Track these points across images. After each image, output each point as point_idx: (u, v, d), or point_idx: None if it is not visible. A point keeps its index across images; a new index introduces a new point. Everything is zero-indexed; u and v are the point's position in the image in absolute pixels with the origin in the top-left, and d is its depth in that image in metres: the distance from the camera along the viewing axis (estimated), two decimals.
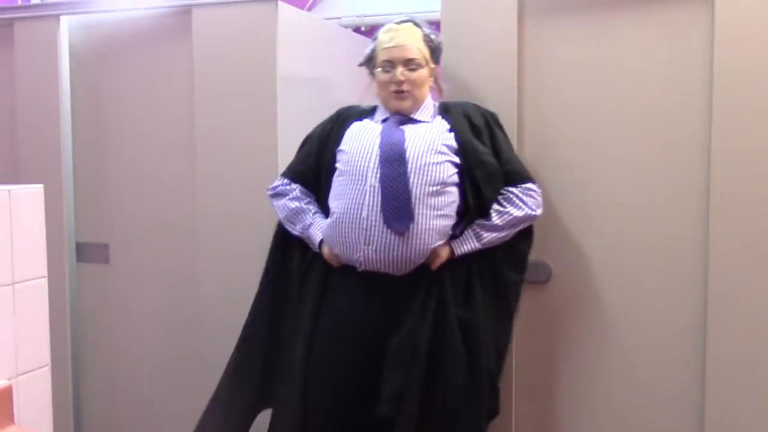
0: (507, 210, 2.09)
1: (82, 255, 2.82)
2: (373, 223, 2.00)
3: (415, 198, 2.00)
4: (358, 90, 2.44)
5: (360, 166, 2.05)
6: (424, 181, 2.01)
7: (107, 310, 2.81)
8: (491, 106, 2.24)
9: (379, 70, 2.14)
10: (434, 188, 2.02)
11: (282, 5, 2.47)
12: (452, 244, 2.08)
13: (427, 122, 2.15)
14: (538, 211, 2.14)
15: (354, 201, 2.03)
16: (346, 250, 2.05)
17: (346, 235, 2.03)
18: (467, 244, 2.09)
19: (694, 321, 2.16)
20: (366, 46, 2.22)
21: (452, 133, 2.11)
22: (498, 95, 2.28)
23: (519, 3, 2.26)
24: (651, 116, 2.18)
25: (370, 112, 2.24)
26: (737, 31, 2.05)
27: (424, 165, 2.02)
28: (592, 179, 2.25)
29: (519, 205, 2.10)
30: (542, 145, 2.29)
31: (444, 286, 2.06)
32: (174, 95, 2.64)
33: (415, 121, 2.15)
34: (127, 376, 2.80)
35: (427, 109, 2.18)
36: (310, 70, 2.68)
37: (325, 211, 2.16)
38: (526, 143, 2.30)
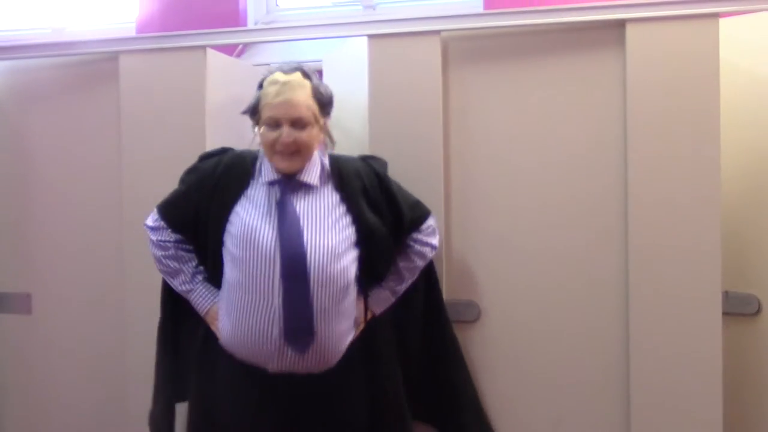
0: (416, 265, 2.14)
1: (2, 305, 2.73)
2: (282, 342, 1.90)
3: (318, 312, 1.91)
4: None
5: (263, 282, 1.90)
6: (327, 294, 1.91)
7: (29, 365, 2.71)
8: (417, 156, 2.30)
9: (264, 128, 1.96)
10: (338, 296, 1.94)
11: (210, 52, 2.49)
12: (371, 307, 2.08)
13: (315, 187, 2.00)
14: (437, 243, 2.18)
15: (261, 320, 1.90)
16: (256, 360, 1.95)
17: (255, 352, 1.93)
18: (385, 303, 2.12)
19: (617, 358, 2.24)
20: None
21: (344, 206, 2.00)
22: (423, 145, 2.32)
23: (443, 54, 2.33)
24: (570, 161, 2.27)
25: (250, 168, 2.04)
26: (649, 76, 2.17)
27: (328, 277, 1.91)
28: (519, 220, 2.31)
29: (425, 253, 2.14)
30: (469, 188, 2.35)
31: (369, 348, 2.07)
32: (100, 141, 2.61)
33: (306, 187, 1.99)
34: None
35: (315, 167, 2.01)
36: (238, 115, 2.68)
37: (211, 273, 2.06)
38: (452, 187, 2.35)
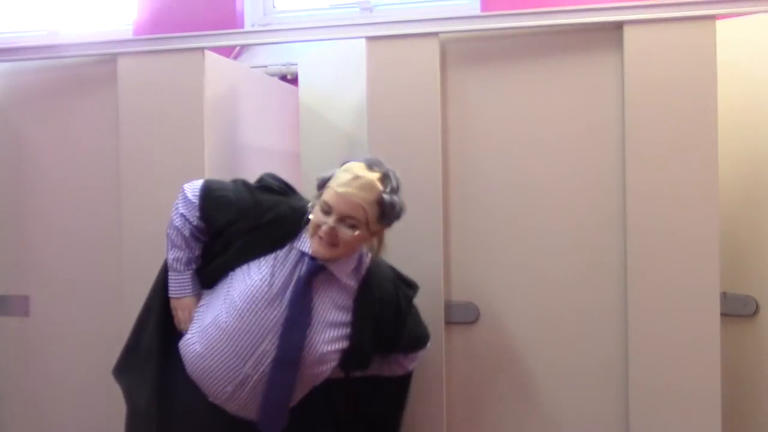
0: (382, 373, 2.13)
1: (0, 308, 2.72)
2: (245, 402, 1.90)
3: (295, 394, 1.94)
4: (285, 135, 2.44)
5: (244, 348, 1.88)
6: (307, 384, 1.96)
7: (27, 367, 2.70)
8: (416, 158, 2.30)
9: (316, 207, 1.90)
10: (306, 388, 1.98)
11: (208, 54, 2.49)
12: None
13: (338, 281, 1.96)
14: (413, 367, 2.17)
15: (229, 373, 1.89)
16: (214, 398, 1.93)
17: (215, 392, 1.92)
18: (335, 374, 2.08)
19: (616, 359, 2.25)
20: None
21: (350, 325, 1.97)
22: (422, 147, 2.32)
23: (441, 56, 2.33)
24: (569, 163, 2.27)
25: (295, 232, 1.97)
26: (646, 78, 2.18)
27: (310, 376, 1.94)
28: (517, 222, 2.31)
29: (396, 371, 2.14)
30: (467, 190, 2.35)
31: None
32: (98, 144, 2.60)
33: (331, 276, 1.95)
34: None
35: (351, 263, 1.97)
36: (236, 118, 2.69)
37: (204, 279, 2.04)
38: (451, 189, 2.35)
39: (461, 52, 2.35)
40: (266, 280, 1.91)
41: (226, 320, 1.91)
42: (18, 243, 2.70)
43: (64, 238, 2.65)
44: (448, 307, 2.34)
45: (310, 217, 1.91)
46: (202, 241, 2.05)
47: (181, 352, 1.98)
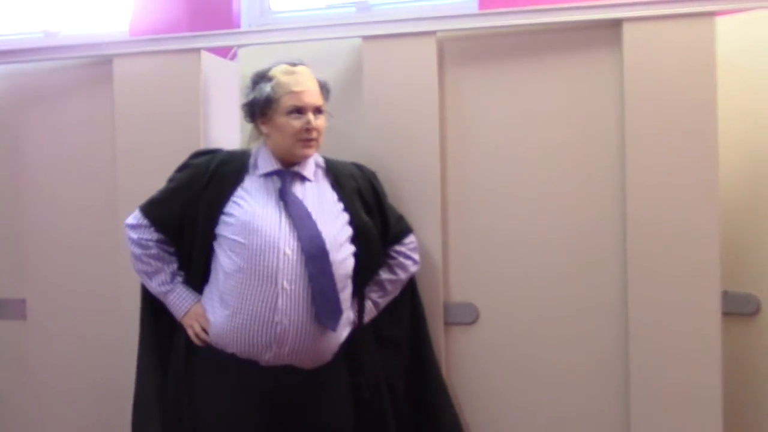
0: (399, 278, 2.17)
1: None
2: (287, 326, 1.91)
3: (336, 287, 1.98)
4: None
5: (267, 266, 1.92)
6: (339, 276, 1.98)
7: (25, 370, 2.68)
8: (414, 157, 2.30)
9: (288, 116, 2.01)
10: (341, 285, 1.99)
11: (205, 54, 2.48)
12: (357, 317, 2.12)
13: (311, 181, 2.07)
14: (419, 259, 2.22)
15: (264, 304, 1.92)
16: (253, 350, 1.94)
17: (254, 338, 1.93)
18: (369, 314, 2.15)
19: (617, 358, 2.23)
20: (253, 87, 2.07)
21: (342, 204, 2.07)
22: (420, 146, 2.31)
23: (438, 55, 2.32)
24: (568, 158, 2.27)
25: (244, 163, 2.09)
26: (645, 75, 2.17)
27: (340, 263, 1.98)
28: (516, 221, 2.30)
29: (408, 267, 2.18)
30: (466, 189, 2.34)
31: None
32: (94, 146, 2.59)
33: (303, 180, 2.06)
34: None
35: (311, 163, 2.10)
36: (233, 118, 2.67)
37: (194, 278, 2.08)
38: (449, 188, 2.34)
39: (459, 51, 2.34)
40: (249, 206, 1.99)
41: (231, 264, 1.96)
42: (15, 246, 2.69)
43: (61, 240, 2.64)
44: (447, 307, 2.32)
45: (255, 145, 2.09)
46: (173, 253, 2.10)
47: (212, 336, 1.99)
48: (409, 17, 2.35)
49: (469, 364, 2.33)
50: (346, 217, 2.05)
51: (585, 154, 2.25)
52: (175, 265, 2.10)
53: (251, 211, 1.98)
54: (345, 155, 2.23)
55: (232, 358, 1.97)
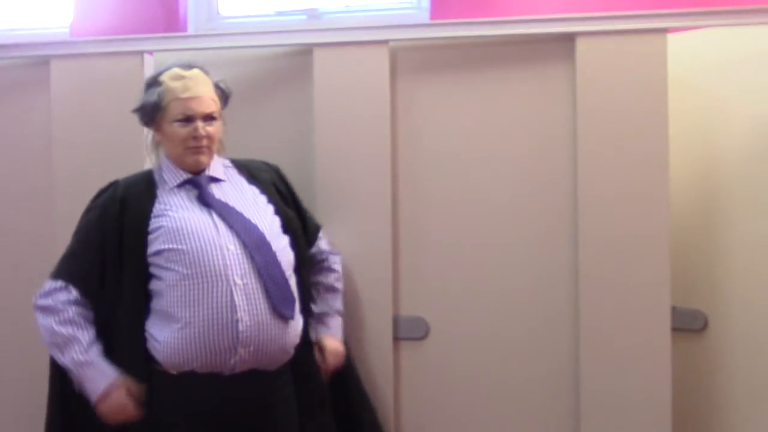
0: (340, 273, 2.17)
1: None
2: (248, 323, 1.83)
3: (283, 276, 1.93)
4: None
5: (214, 266, 1.84)
6: (284, 265, 1.94)
7: None
8: (365, 164, 2.26)
9: (174, 124, 1.93)
10: (288, 273, 1.95)
11: (148, 58, 2.40)
12: (335, 336, 2.10)
13: (225, 181, 2.03)
14: None
15: (220, 305, 1.82)
16: (216, 359, 1.83)
17: (216, 343, 1.82)
18: (341, 326, 2.13)
19: (568, 373, 2.23)
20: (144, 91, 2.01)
21: (264, 197, 2.04)
22: (371, 156, 2.27)
23: (391, 64, 2.28)
24: (521, 170, 2.26)
25: (151, 180, 2.01)
26: (598, 89, 2.17)
27: (280, 250, 1.95)
28: (467, 234, 2.28)
29: (338, 260, 2.19)
30: (417, 201, 2.30)
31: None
32: (30, 151, 2.48)
33: (216, 180, 2.02)
34: None
35: (218, 163, 2.05)
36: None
37: (134, 315, 1.91)
38: (401, 199, 2.30)
39: (412, 61, 2.31)
40: (176, 215, 1.92)
41: (173, 276, 1.86)
42: None
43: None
44: (397, 321, 2.27)
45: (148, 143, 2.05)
46: (91, 319, 1.92)
47: (164, 358, 1.85)
48: (361, 26, 2.33)
49: (420, 379, 2.29)
50: (271, 208, 2.02)
51: (537, 167, 2.24)
52: (92, 333, 1.90)
53: (179, 217, 1.91)
54: (294, 165, 2.20)
55: (191, 376, 1.85)
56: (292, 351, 1.94)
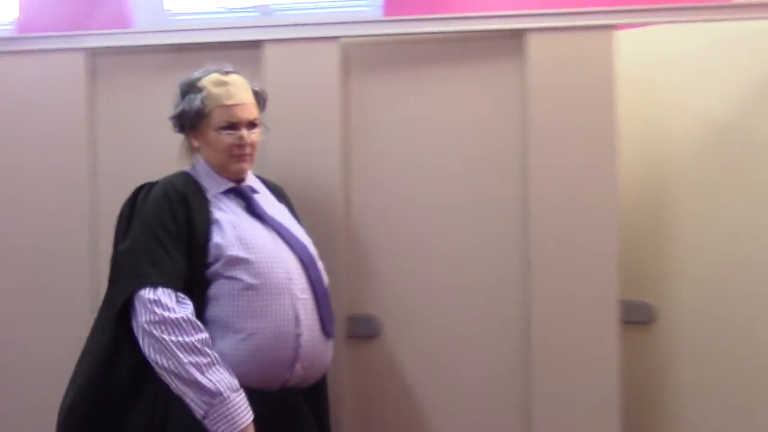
0: None
1: None
2: (307, 338, 1.77)
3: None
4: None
5: (279, 278, 1.77)
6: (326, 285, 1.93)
7: None
8: (317, 161, 2.24)
9: (220, 131, 1.86)
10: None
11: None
12: None
13: (259, 193, 1.97)
14: None
15: (285, 318, 1.75)
16: (273, 373, 1.75)
17: (278, 356, 1.74)
18: None
19: (519, 367, 2.23)
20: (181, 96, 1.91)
21: (293, 217, 2.02)
22: (322, 154, 2.24)
23: (342, 61, 2.27)
24: (471, 170, 2.25)
25: (197, 184, 1.88)
26: (547, 85, 2.18)
27: (322, 270, 1.92)
28: (420, 231, 2.27)
29: None
30: (369, 199, 2.29)
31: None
32: None
33: (254, 191, 1.96)
34: None
35: (251, 174, 2.00)
36: (127, 122, 2.53)
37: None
38: (352, 197, 2.29)
39: (363, 58, 2.29)
40: (240, 223, 1.83)
41: (247, 279, 1.75)
42: None
43: None
44: (350, 320, 2.26)
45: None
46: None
47: (235, 358, 1.72)
48: (312, 22, 2.29)
49: (371, 379, 2.28)
50: (302, 228, 1.99)
51: (488, 163, 2.25)
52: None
53: (241, 226, 1.82)
54: None
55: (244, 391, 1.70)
56: (326, 368, 1.90)
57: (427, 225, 2.27)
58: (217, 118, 1.87)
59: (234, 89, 1.88)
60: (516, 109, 2.22)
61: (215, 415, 1.61)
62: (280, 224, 1.89)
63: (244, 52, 2.28)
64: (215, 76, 1.89)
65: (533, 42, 2.18)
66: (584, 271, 2.17)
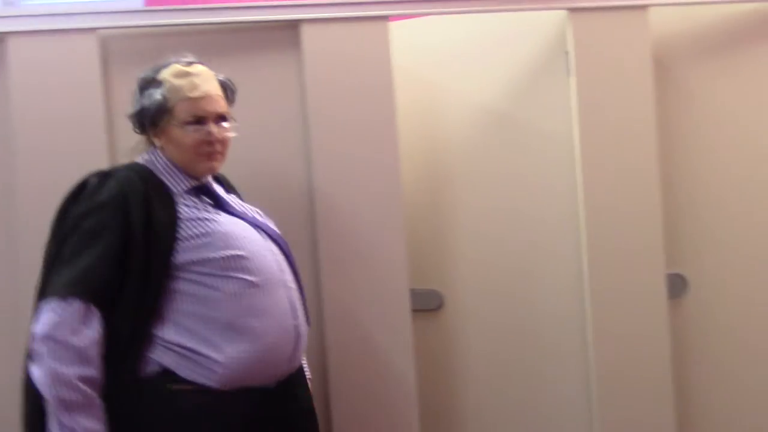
0: None
1: None
2: (302, 329, 1.74)
3: None
4: None
5: (273, 270, 1.70)
6: None
7: None
8: (75, 166, 1.96)
9: (185, 127, 1.71)
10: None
11: None
12: None
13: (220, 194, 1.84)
14: None
15: (285, 311, 1.70)
16: (276, 370, 1.69)
17: (282, 352, 1.69)
18: None
19: (316, 361, 2.19)
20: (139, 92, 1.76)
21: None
22: (83, 152, 2.05)
23: (102, 54, 2.10)
24: (253, 167, 2.15)
25: (157, 181, 1.73)
26: (325, 76, 2.15)
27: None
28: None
29: None
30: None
31: None
32: None
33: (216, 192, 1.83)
34: None
35: None
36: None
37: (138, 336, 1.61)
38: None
39: (126, 51, 2.13)
40: (219, 218, 1.71)
41: (246, 277, 1.66)
42: None
43: None
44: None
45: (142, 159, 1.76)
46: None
47: (223, 381, 1.61)
48: (64, 12, 2.09)
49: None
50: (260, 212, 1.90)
51: (270, 158, 2.19)
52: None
53: (223, 221, 1.71)
54: None
55: (241, 392, 1.64)
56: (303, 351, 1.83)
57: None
58: (182, 112, 1.71)
59: (198, 80, 1.73)
60: (296, 103, 2.17)
61: None
62: (252, 217, 1.80)
63: None
64: (176, 66, 1.74)
65: (308, 33, 2.14)
66: (376, 264, 2.18)
